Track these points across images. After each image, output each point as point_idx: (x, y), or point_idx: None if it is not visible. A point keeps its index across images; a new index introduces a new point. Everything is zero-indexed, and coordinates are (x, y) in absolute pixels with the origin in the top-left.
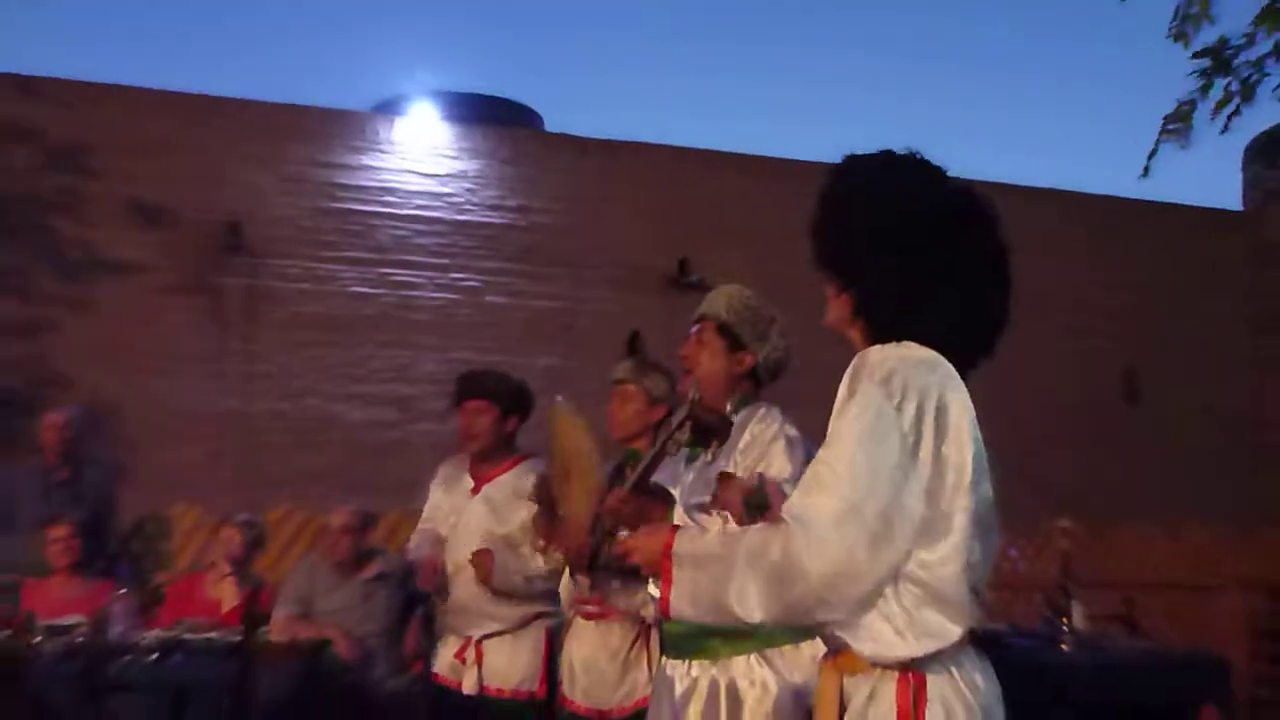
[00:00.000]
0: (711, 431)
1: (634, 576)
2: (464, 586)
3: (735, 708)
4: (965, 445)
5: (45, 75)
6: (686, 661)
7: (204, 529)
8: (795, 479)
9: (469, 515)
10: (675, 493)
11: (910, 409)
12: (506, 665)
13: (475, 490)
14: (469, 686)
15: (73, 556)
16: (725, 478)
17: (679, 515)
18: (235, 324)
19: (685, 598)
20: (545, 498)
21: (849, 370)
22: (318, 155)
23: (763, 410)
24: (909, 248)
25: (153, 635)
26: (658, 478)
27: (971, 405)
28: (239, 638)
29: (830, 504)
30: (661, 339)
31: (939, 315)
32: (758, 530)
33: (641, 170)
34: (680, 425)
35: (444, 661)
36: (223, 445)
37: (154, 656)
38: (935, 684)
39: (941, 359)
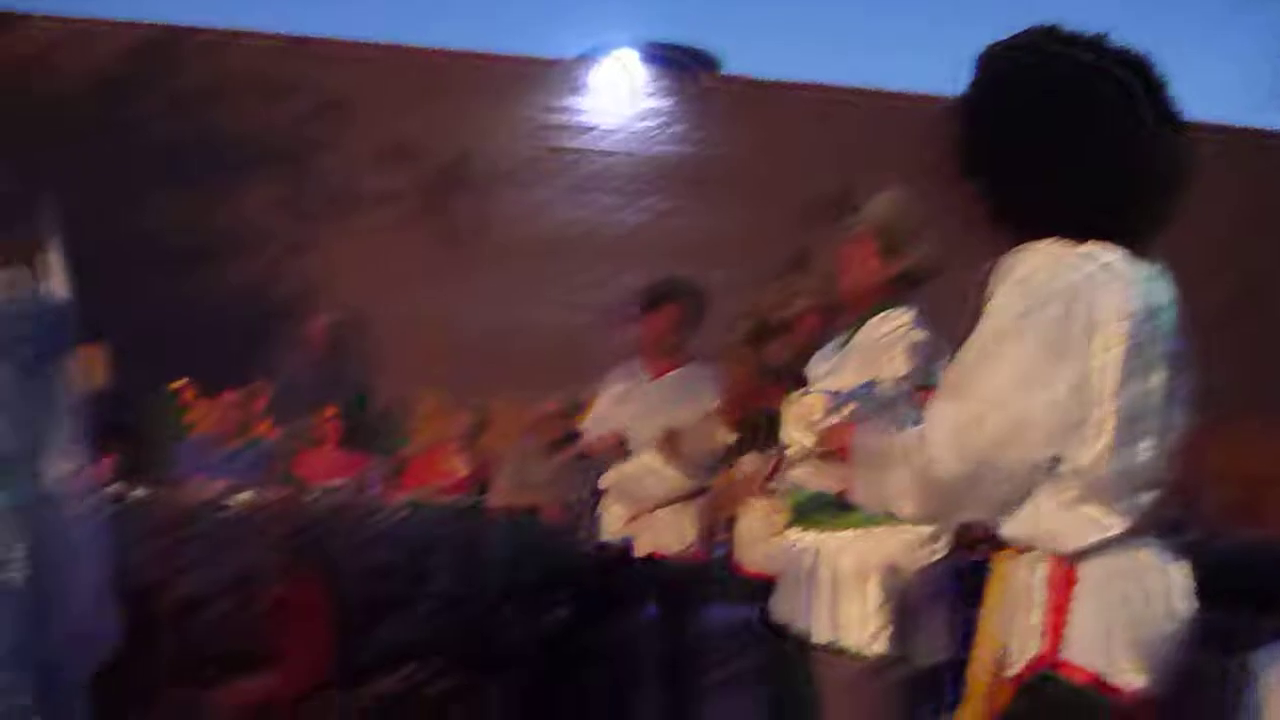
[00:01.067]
0: (770, 331)
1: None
2: (642, 460)
3: (834, 575)
4: (1115, 344)
5: (312, 35)
6: (800, 530)
7: (439, 413)
8: (913, 378)
9: (648, 403)
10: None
11: (1052, 310)
12: (673, 532)
13: (654, 379)
14: (639, 551)
15: (337, 433)
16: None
17: (794, 396)
18: (464, 243)
19: (863, 487)
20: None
21: (994, 273)
22: (534, 99)
23: (899, 311)
24: (1044, 133)
25: (400, 498)
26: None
27: (1142, 296)
28: (468, 502)
29: (953, 411)
30: (828, 258)
31: (1087, 203)
32: (913, 431)
33: (810, 106)
34: (743, 323)
35: (613, 529)
36: (454, 343)
37: (401, 515)
38: (1089, 570)
39: (1096, 252)
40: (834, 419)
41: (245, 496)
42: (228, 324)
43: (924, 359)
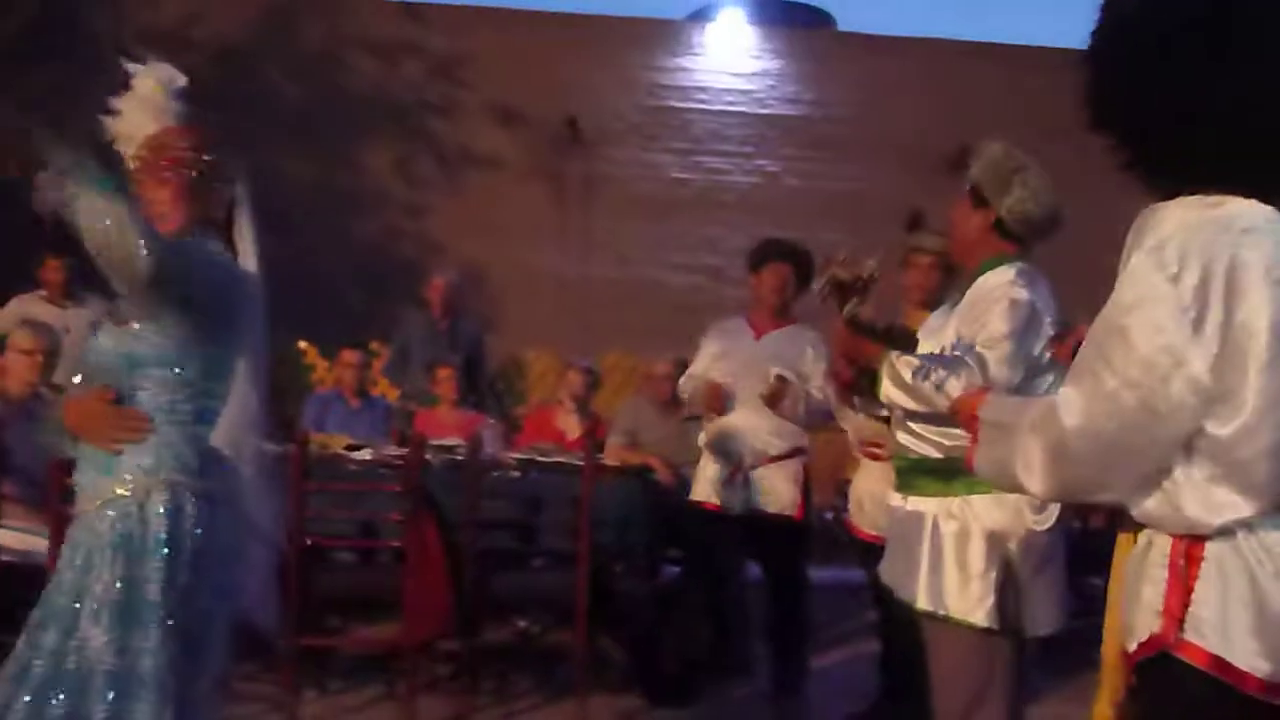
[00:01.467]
0: (846, 287)
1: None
2: (743, 417)
3: (936, 542)
4: (1260, 312)
5: (428, 1)
6: (904, 495)
7: (552, 372)
8: (1008, 339)
9: (754, 359)
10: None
11: (1190, 278)
12: (773, 491)
13: (757, 337)
14: (737, 508)
15: (454, 392)
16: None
17: (899, 359)
18: (575, 204)
19: (985, 460)
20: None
21: (1129, 234)
22: (643, 59)
23: (1005, 268)
24: (1174, 75)
25: (514, 455)
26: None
27: None
28: (580, 460)
29: (1087, 387)
30: (942, 218)
31: (1227, 151)
32: (1044, 404)
33: (924, 63)
34: (820, 279)
35: (707, 487)
36: (566, 303)
37: (515, 472)
38: (1214, 549)
39: (1239, 209)
40: (956, 385)
41: (366, 453)
42: (348, 285)
43: (1024, 319)
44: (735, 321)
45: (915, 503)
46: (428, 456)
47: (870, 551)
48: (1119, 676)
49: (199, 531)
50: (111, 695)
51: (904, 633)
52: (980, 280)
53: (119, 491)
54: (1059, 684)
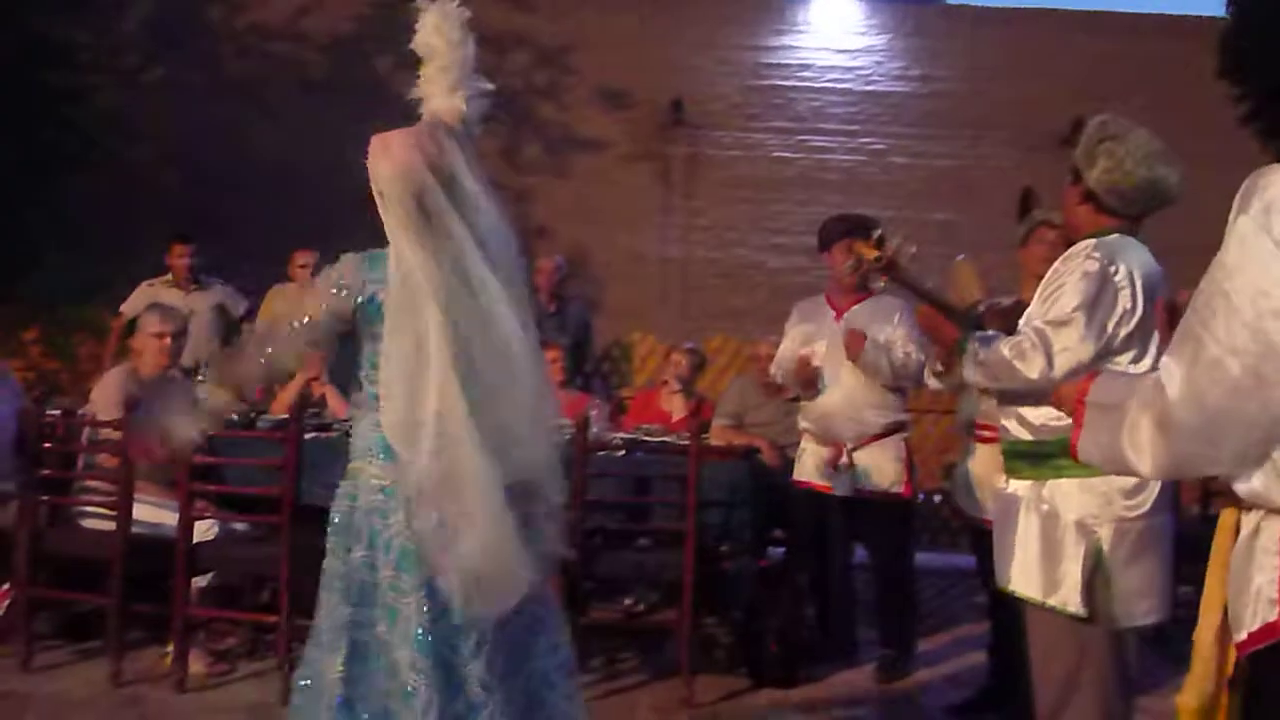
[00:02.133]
0: (892, 267)
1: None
2: (838, 395)
3: (1027, 526)
4: None
5: None
6: (1007, 479)
7: (656, 354)
8: (1078, 313)
9: (837, 336)
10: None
11: None
12: (877, 469)
13: (838, 317)
14: (843, 489)
15: (560, 374)
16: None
17: (972, 337)
18: (679, 186)
19: (1091, 443)
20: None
21: (1236, 198)
22: (746, 39)
23: (1084, 242)
24: None
25: (620, 436)
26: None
27: None
28: (686, 441)
29: (1189, 357)
30: (1058, 194)
31: None
32: (1150, 379)
33: (1035, 35)
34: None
35: (810, 468)
36: (670, 285)
37: (621, 452)
38: None
39: None
40: (1024, 365)
41: None
42: None
43: (1094, 292)
44: (814, 302)
45: (1013, 485)
46: None
47: (980, 535)
48: (1213, 667)
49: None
50: None
51: (1012, 618)
52: (1065, 254)
53: None
54: (1176, 674)
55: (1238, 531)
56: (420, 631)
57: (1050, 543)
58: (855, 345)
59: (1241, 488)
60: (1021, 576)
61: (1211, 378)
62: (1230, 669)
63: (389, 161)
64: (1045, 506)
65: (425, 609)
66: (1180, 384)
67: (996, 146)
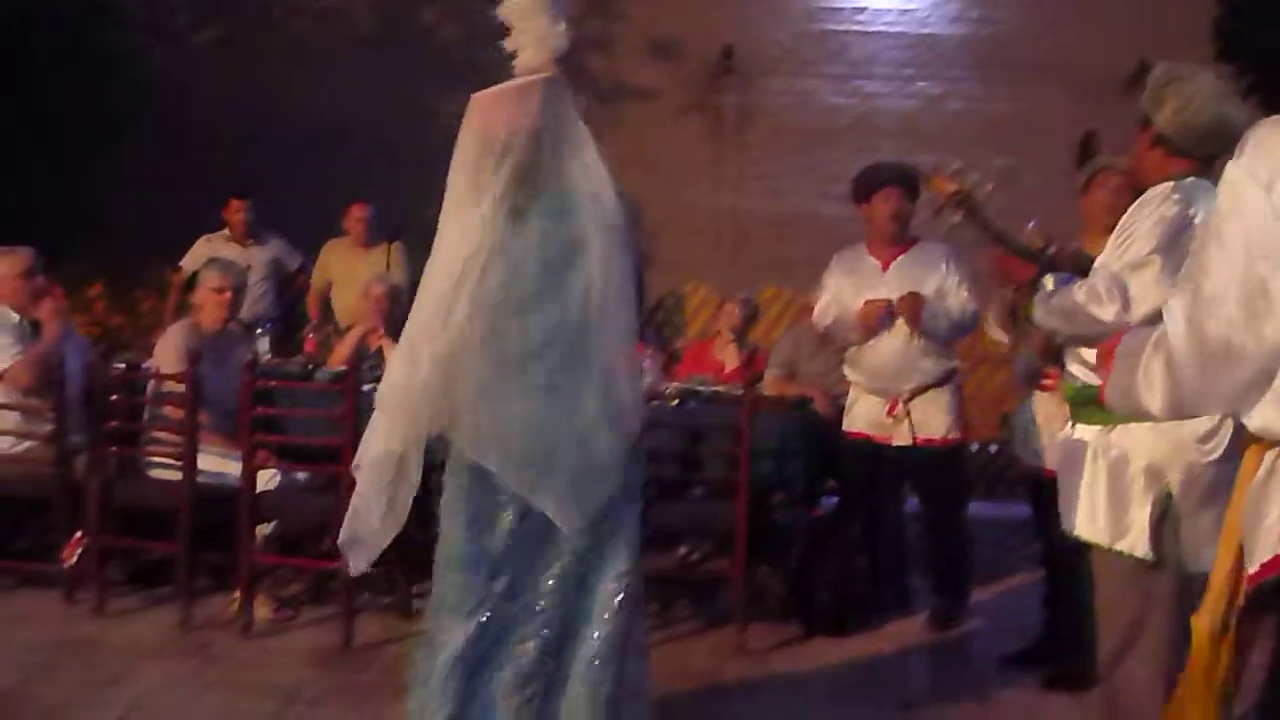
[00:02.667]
0: (951, 201)
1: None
2: (890, 347)
3: (1096, 470)
4: None
5: None
6: (1073, 425)
7: (709, 304)
8: (1155, 256)
9: (888, 289)
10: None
11: None
12: (932, 417)
13: (884, 268)
14: (901, 439)
15: None
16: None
17: (1048, 280)
18: (730, 135)
19: (1115, 390)
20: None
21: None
22: None
23: (1163, 185)
24: None
25: (674, 386)
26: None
27: None
28: (739, 391)
29: (1189, 296)
30: (1120, 139)
31: None
32: (1161, 326)
33: None
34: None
35: (867, 419)
36: (722, 235)
37: (675, 403)
38: None
39: None
40: (1098, 310)
41: None
42: None
43: (1171, 235)
44: (854, 253)
45: (1081, 431)
46: None
47: (1037, 484)
48: (1226, 599)
49: None
50: None
51: (1068, 568)
52: (1139, 200)
53: None
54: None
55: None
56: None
57: (1119, 487)
58: (916, 313)
59: (1252, 424)
60: (1088, 522)
61: (1208, 314)
62: (1241, 600)
63: (468, 124)
64: (1114, 451)
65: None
66: (1182, 322)
67: (1057, 91)
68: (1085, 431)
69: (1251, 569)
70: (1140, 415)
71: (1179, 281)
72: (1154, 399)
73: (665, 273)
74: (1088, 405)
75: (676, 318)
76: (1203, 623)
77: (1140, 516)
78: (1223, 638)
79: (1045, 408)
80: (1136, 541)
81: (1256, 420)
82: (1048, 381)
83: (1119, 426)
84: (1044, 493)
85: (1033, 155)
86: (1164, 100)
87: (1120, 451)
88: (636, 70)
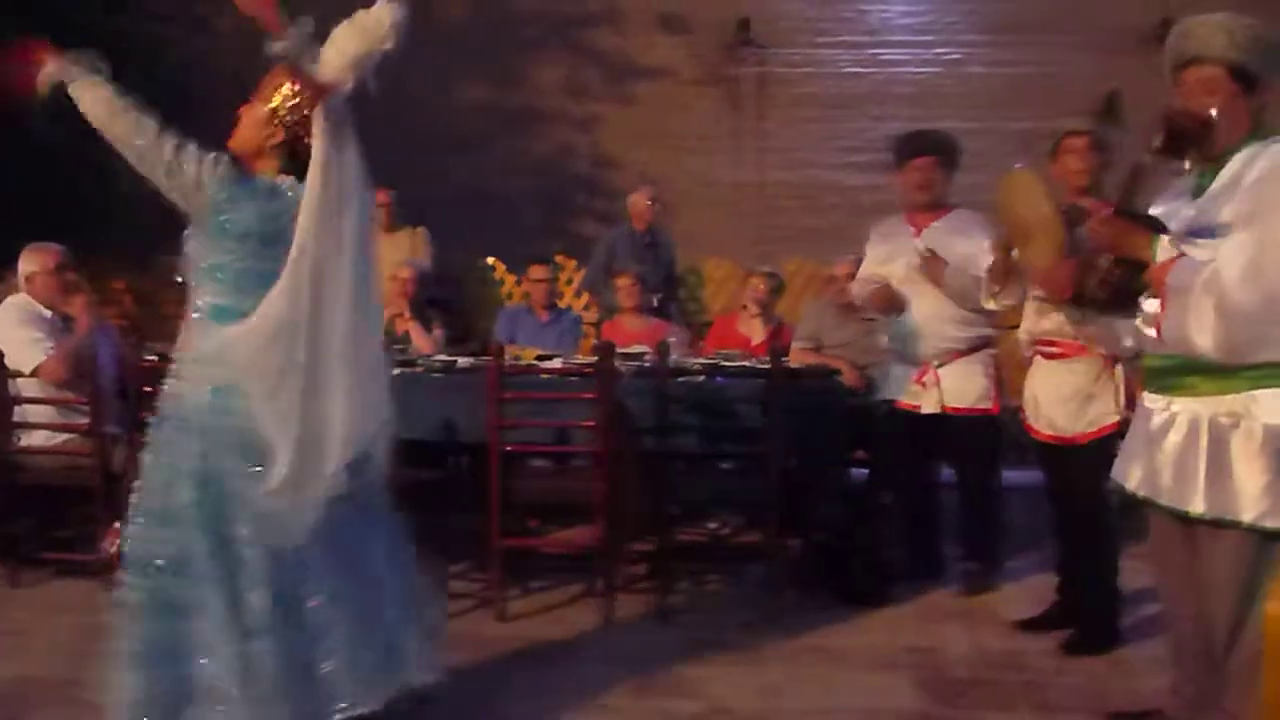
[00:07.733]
0: (1188, 138)
1: (1117, 308)
2: (920, 313)
3: (1218, 444)
4: None
5: None
6: (1166, 397)
7: (733, 278)
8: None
9: (914, 253)
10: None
11: None
12: (963, 386)
13: (917, 234)
14: (930, 406)
15: (634, 299)
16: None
17: (1163, 245)
18: (748, 107)
19: (1171, 326)
20: (1004, 248)
21: None
22: None
23: (1271, 144)
24: None
25: (699, 361)
26: (1162, 212)
27: None
28: (765, 364)
29: (1248, 242)
30: (1144, 97)
31: None
32: (1211, 270)
33: None
34: (1156, 133)
35: (895, 387)
36: (743, 208)
37: (701, 377)
38: None
39: None
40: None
41: (557, 363)
42: (526, 202)
43: None
44: (893, 222)
45: (1184, 404)
46: (617, 364)
47: (1049, 452)
48: None
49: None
50: None
51: (1082, 536)
52: (1239, 158)
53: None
54: None
55: None
56: None
57: (1248, 458)
58: (935, 270)
59: None
60: (1213, 498)
61: (1266, 263)
62: None
63: None
64: (1238, 420)
65: None
66: (1242, 268)
67: (1079, 49)
68: (1193, 403)
69: None
70: (1190, 354)
71: (1240, 228)
72: (1205, 339)
73: (686, 248)
74: (1192, 375)
75: (699, 292)
76: (1276, 609)
77: (1275, 489)
78: None
79: (1048, 376)
80: (1273, 515)
81: None
82: (1053, 349)
83: (1243, 394)
84: (1051, 459)
85: (1056, 117)
86: (1213, 37)
87: (1247, 421)
88: (648, 45)
